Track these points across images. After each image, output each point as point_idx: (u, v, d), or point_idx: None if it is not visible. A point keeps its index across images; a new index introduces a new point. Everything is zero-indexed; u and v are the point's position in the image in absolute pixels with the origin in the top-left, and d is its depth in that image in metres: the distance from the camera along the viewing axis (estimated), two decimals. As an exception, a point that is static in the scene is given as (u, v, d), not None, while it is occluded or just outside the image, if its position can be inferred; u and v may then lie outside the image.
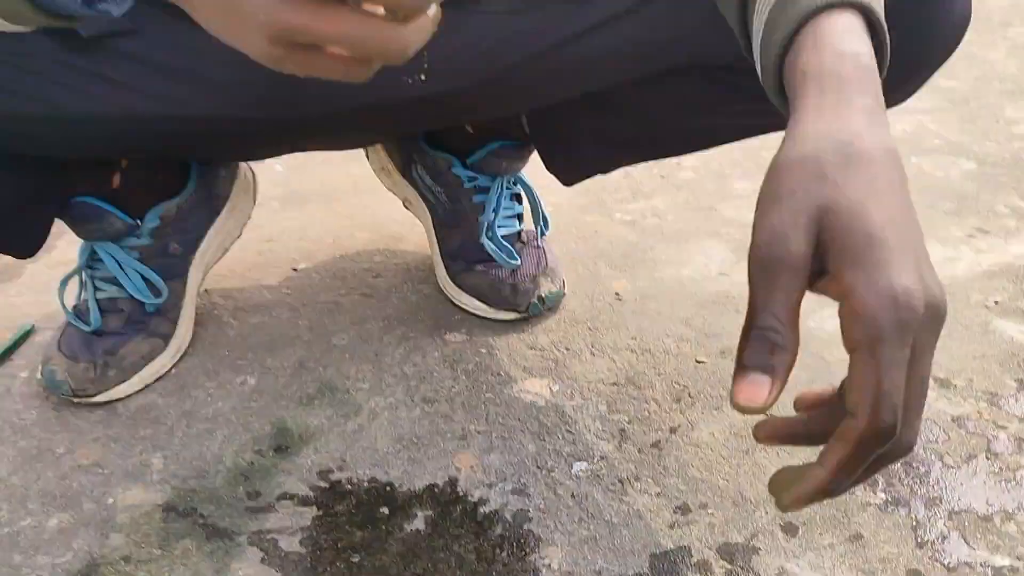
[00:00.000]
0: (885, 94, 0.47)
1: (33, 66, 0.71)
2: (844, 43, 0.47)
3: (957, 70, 1.62)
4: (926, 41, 0.68)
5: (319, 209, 1.27)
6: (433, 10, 0.44)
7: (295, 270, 1.13)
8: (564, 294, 1.02)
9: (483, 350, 0.95)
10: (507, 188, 1.03)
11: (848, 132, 0.44)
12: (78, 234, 0.91)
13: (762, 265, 0.43)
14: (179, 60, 0.74)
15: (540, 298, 0.98)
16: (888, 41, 0.49)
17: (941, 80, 1.67)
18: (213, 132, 0.81)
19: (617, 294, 1.04)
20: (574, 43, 0.77)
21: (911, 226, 0.43)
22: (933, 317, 0.42)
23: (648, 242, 1.16)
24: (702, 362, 0.94)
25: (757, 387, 0.42)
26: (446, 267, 1.04)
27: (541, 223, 1.06)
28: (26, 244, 0.85)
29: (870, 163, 0.43)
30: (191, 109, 0.76)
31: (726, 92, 0.77)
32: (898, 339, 0.40)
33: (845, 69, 0.46)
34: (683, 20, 0.72)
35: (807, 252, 0.42)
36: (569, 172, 0.98)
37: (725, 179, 1.31)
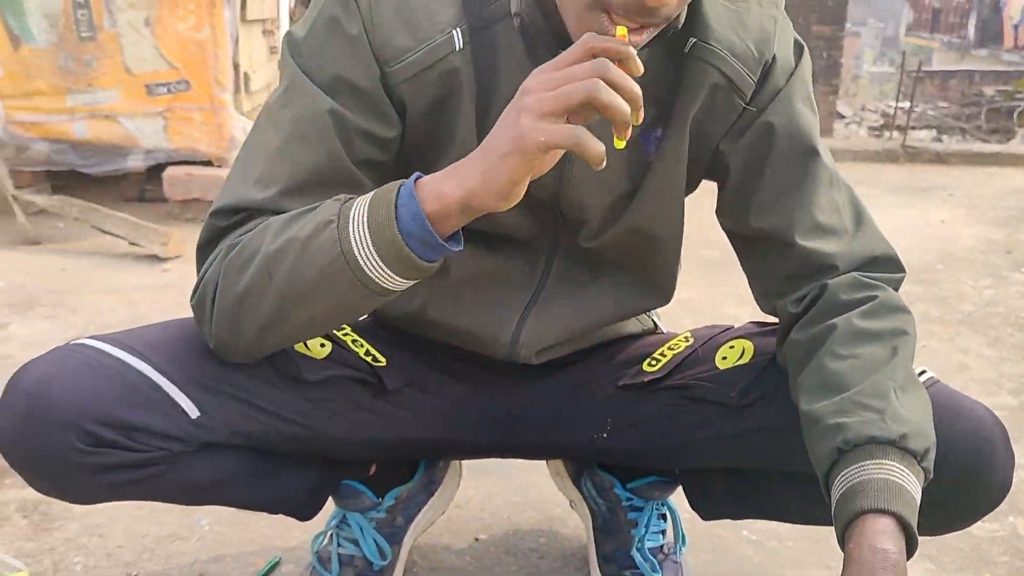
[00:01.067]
0: (937, 531, 0.79)
1: (339, 406, 1.04)
2: (878, 541, 0.74)
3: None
4: (969, 504, 0.92)
5: (499, 482, 1.56)
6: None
7: (476, 539, 1.41)
8: (694, 608, 1.25)
9: (623, 648, 1.18)
10: (656, 510, 1.29)
11: None
12: (337, 504, 1.23)
13: None
14: (439, 403, 1.08)
15: (674, 610, 1.22)
16: (916, 537, 0.77)
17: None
18: (455, 449, 1.14)
19: (738, 615, 1.26)
20: (718, 440, 1.05)
21: None
22: None
23: (769, 565, 1.37)
24: None
25: None
26: (600, 567, 1.29)
27: (680, 540, 1.31)
28: (309, 512, 1.16)
29: None
30: (447, 435, 1.09)
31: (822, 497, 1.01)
32: None
33: (876, 560, 0.72)
34: (797, 447, 0.94)
35: None
36: (707, 512, 1.22)
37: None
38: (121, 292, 2.57)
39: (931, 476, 0.84)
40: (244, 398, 0.94)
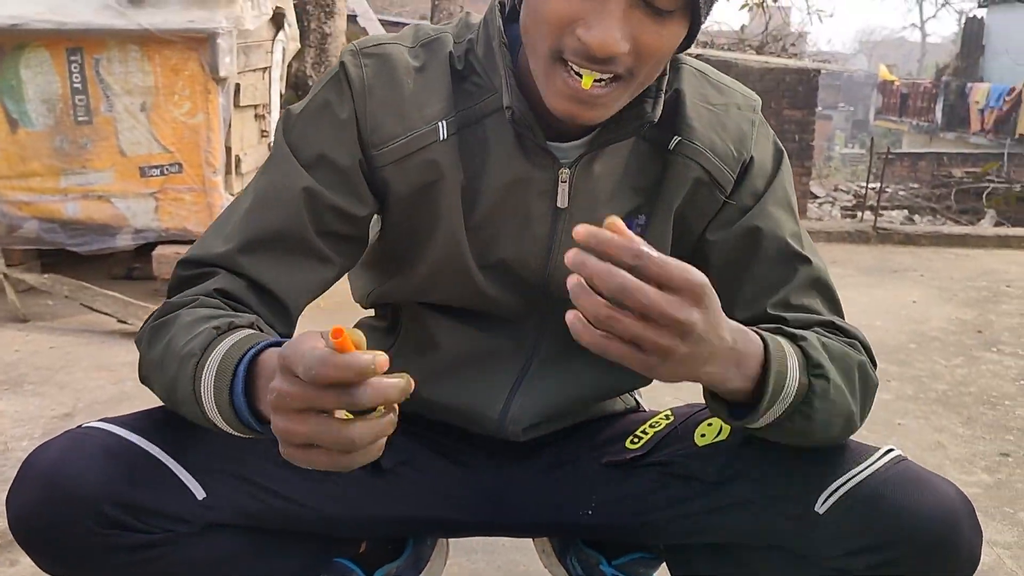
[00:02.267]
0: None
1: (336, 485, 1.07)
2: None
3: (1040, 509, 1.84)
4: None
5: (484, 559, 1.58)
6: (388, 418, 0.67)
7: (463, 619, 1.42)
8: None
9: None
10: (641, 586, 1.32)
11: None
12: (327, 582, 1.25)
13: None
14: (431, 481, 1.12)
15: None
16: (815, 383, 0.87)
17: (1022, 514, 1.90)
18: (445, 527, 1.17)
19: None
20: (699, 515, 1.09)
21: None
22: None
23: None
24: None
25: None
26: (585, 647, 1.31)
27: (664, 619, 1.33)
28: (300, 592, 1.19)
29: None
30: (438, 512, 1.13)
31: (804, 569, 1.00)
32: None
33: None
34: (776, 521, 0.99)
35: None
36: (692, 588, 1.25)
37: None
38: (109, 369, 2.60)
39: (814, 405, 0.87)
40: (247, 477, 0.97)
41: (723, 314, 0.78)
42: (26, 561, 1.51)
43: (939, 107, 19.89)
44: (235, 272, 0.94)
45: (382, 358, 0.65)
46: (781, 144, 1.10)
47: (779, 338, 0.88)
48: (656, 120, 0.98)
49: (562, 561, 1.39)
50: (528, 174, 1.00)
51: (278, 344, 0.79)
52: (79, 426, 0.92)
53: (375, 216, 1.04)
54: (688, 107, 1.02)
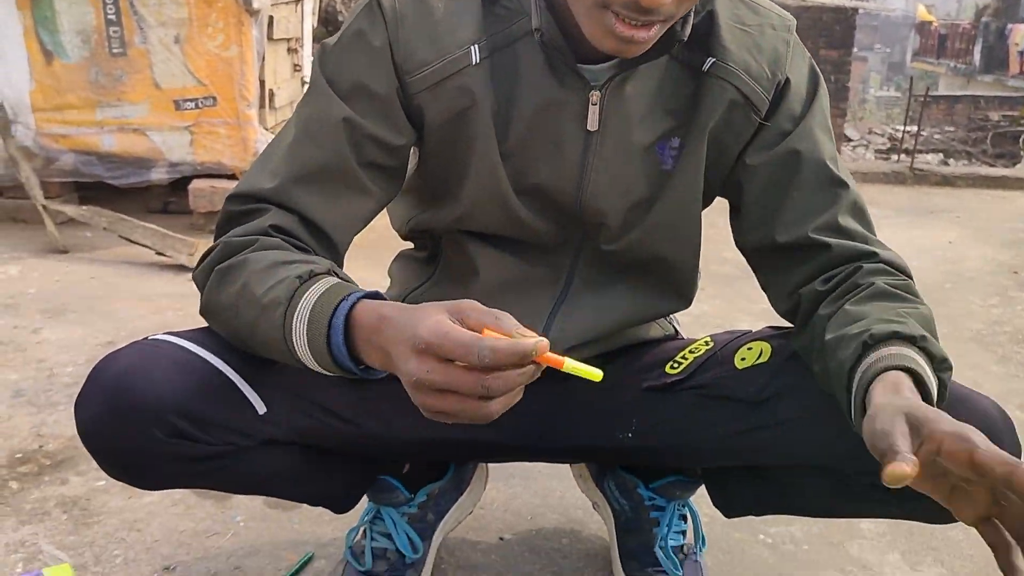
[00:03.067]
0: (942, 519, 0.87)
1: (389, 406, 1.09)
2: (900, 385, 0.80)
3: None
4: None
5: (521, 485, 1.61)
6: (515, 392, 0.72)
7: (501, 539, 1.46)
8: (713, 605, 1.29)
9: (646, 641, 1.23)
10: (677, 510, 1.34)
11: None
12: (371, 499, 1.28)
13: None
14: None
15: (694, 607, 1.26)
16: (945, 379, 0.84)
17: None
18: (486, 450, 1.19)
19: (755, 612, 1.31)
20: (739, 436, 1.10)
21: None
22: None
23: (785, 567, 1.42)
24: None
25: (904, 464, 0.67)
26: (622, 564, 1.33)
27: (700, 540, 1.35)
28: (347, 505, 1.21)
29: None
30: (481, 436, 1.13)
31: (843, 488, 1.05)
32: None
33: (901, 389, 0.79)
34: (816, 439, 1.01)
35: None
36: (728, 510, 1.27)
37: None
38: (149, 300, 2.64)
39: (945, 396, 0.86)
40: (304, 396, 1.00)
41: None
42: (76, 480, 1.56)
43: (978, 49, 19.36)
44: (285, 207, 0.95)
45: (543, 343, 0.71)
46: (817, 66, 1.08)
47: (908, 352, 0.85)
48: (685, 39, 0.97)
49: (599, 486, 1.41)
50: (559, 97, 0.99)
51: (370, 296, 0.82)
52: (146, 338, 0.95)
53: (413, 148, 1.04)
54: (722, 28, 1.01)
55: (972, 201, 5.22)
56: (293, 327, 0.83)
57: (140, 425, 0.87)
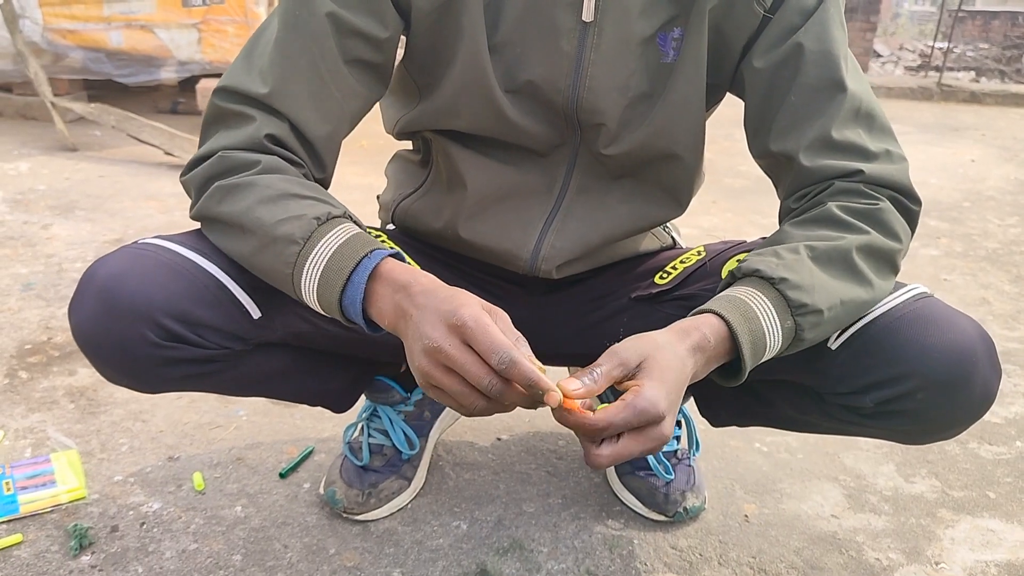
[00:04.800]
0: (922, 440, 0.91)
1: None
2: (692, 324, 0.84)
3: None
4: (951, 415, 0.92)
5: (520, 389, 1.62)
6: (512, 407, 0.77)
7: (499, 439, 1.48)
8: (704, 508, 1.31)
9: (635, 540, 1.25)
10: (673, 416, 1.35)
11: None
12: (368, 398, 1.29)
13: None
14: None
15: (685, 509, 1.28)
16: (801, 321, 0.86)
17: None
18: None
19: (746, 516, 1.32)
20: None
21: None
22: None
23: (778, 474, 1.44)
24: (804, 589, 1.20)
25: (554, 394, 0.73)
26: (616, 467, 1.35)
27: (694, 445, 1.36)
28: (344, 405, 1.23)
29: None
30: None
31: (821, 405, 1.03)
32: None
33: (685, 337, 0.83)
34: (790, 358, 0.97)
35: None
36: (714, 420, 1.27)
37: (852, 430, 1.57)
38: (157, 199, 2.63)
39: (806, 336, 0.87)
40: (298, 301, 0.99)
41: (675, 377, 0.81)
42: (84, 372, 1.58)
43: (1021, -39, 18.54)
44: (274, 112, 0.92)
45: (555, 397, 0.74)
46: None
47: (745, 296, 0.86)
48: None
49: (596, 390, 1.42)
50: None
51: (393, 255, 0.84)
52: (136, 241, 0.93)
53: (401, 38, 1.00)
54: None
55: (999, 120, 5.09)
56: (305, 269, 0.83)
57: (132, 327, 0.86)
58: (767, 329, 0.85)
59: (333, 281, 0.81)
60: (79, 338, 0.89)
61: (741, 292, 0.86)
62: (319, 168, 0.98)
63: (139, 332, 0.86)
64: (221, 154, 0.90)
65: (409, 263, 0.84)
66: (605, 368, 0.78)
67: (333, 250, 0.82)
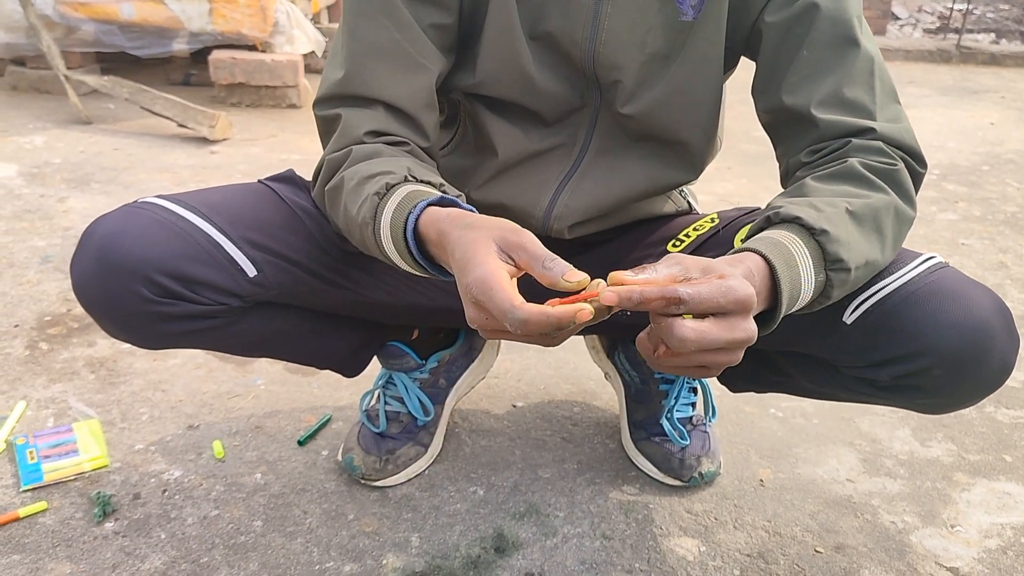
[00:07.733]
0: (938, 411, 0.90)
1: (382, 273, 1.09)
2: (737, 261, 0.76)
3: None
4: (967, 385, 0.90)
5: (535, 356, 1.63)
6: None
7: (514, 406, 1.48)
8: (720, 473, 1.32)
9: (651, 505, 1.26)
10: (687, 383, 1.35)
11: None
12: (383, 364, 1.30)
13: None
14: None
15: (700, 474, 1.29)
16: (834, 277, 0.82)
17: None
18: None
19: (761, 481, 1.33)
20: None
21: None
22: None
23: (793, 439, 1.44)
24: (820, 552, 1.20)
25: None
26: (630, 432, 1.36)
27: (710, 411, 1.37)
28: (354, 369, 1.24)
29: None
30: None
31: (835, 375, 1.03)
32: None
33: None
34: (802, 330, 0.98)
35: None
36: (731, 386, 1.27)
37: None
38: (172, 171, 2.64)
39: (832, 293, 0.83)
40: (295, 259, 1.00)
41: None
42: (103, 343, 1.60)
43: (1043, -81, 18.15)
44: (362, 97, 0.94)
45: (585, 313, 0.67)
46: None
47: (787, 241, 0.81)
48: None
49: (610, 358, 1.42)
50: None
51: (436, 203, 0.82)
52: (135, 200, 0.95)
53: None
54: None
55: (1020, 82, 5.01)
56: (384, 244, 0.84)
57: (127, 284, 0.88)
58: (804, 279, 0.81)
59: (400, 250, 0.83)
60: (78, 294, 0.92)
61: (782, 236, 0.81)
62: (422, 137, 0.99)
63: (134, 288, 0.89)
64: (326, 159, 0.95)
65: (454, 200, 0.84)
66: (663, 265, 0.71)
67: (389, 221, 0.83)
